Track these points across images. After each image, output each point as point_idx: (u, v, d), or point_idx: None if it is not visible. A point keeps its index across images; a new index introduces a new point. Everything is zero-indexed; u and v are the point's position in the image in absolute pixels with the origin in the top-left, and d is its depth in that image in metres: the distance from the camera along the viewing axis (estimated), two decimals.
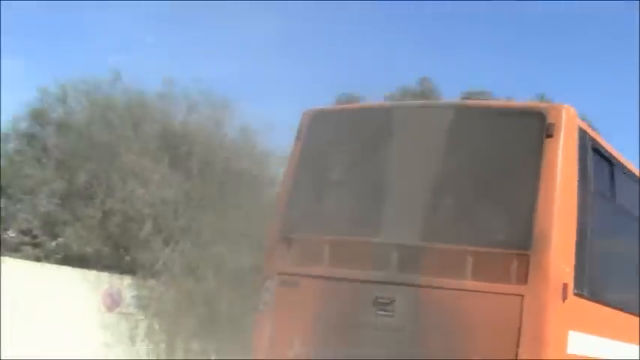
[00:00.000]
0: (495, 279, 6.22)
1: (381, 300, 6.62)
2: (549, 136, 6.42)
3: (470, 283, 6.30)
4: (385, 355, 6.50)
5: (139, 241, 14.69)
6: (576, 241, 6.45)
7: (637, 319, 7.87)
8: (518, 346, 6.04)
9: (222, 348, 15.32)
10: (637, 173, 8.29)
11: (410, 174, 6.98)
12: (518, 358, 6.02)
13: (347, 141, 7.41)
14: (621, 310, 7.53)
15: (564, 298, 6.21)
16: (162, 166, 15.08)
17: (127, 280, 14.81)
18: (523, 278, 6.15)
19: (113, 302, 14.65)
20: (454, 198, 6.79)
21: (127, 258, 14.85)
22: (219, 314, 14.49)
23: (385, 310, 6.58)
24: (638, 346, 7.95)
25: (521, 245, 6.21)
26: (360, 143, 7.31)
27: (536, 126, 6.48)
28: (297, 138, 7.53)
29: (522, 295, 6.12)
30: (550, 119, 6.48)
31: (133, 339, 14.60)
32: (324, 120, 7.70)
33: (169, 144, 15.41)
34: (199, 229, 14.49)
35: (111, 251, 14.96)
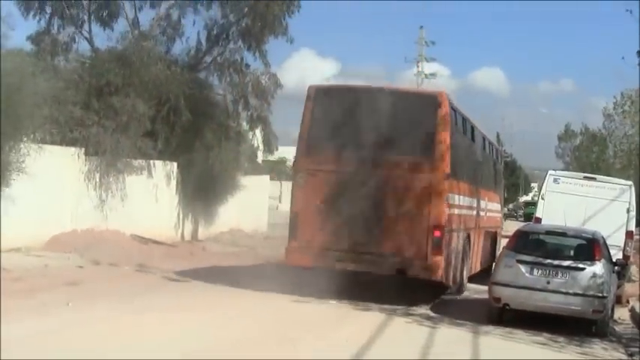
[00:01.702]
0: (421, 170, 14.71)
1: (365, 179, 14.80)
2: (439, 106, 14.81)
3: (408, 173, 14.78)
4: (366, 205, 14.65)
5: None
6: (450, 154, 14.81)
7: (474, 186, 18.05)
8: (430, 196, 14.60)
9: None
10: (470, 119, 17.73)
11: (373, 127, 14.83)
12: (431, 201, 14.54)
13: (338, 106, 15.37)
14: (467, 182, 17.05)
15: (447, 179, 14.85)
16: None
17: None
18: (432, 170, 14.67)
19: None
20: (397, 136, 14.94)
21: None
22: None
23: (368, 185, 14.75)
24: (473, 199, 18.03)
25: (430, 157, 14.72)
26: (344, 108, 15.25)
27: (434, 102, 14.91)
28: (308, 99, 15.27)
29: (432, 176, 14.64)
30: (439, 99, 14.97)
31: None
32: (324, 93, 15.66)
33: None
34: None
35: None
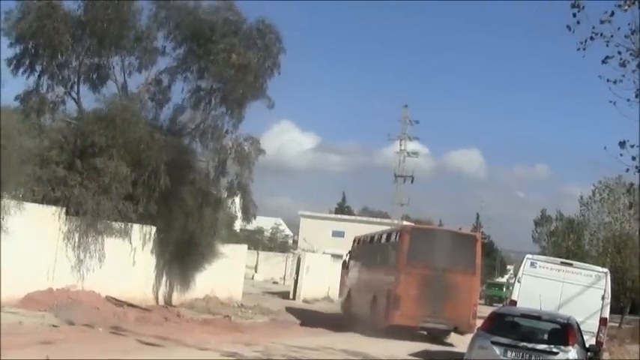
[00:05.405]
0: (467, 273, 25.03)
1: (437, 278, 24.61)
2: (476, 241, 26.38)
3: (461, 276, 24.83)
4: (439, 291, 24.58)
5: None
6: (480, 267, 26.35)
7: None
8: (472, 288, 25.64)
9: None
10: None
11: (441, 250, 25.28)
12: (473, 291, 25.79)
13: (421, 239, 25.68)
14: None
15: (479, 280, 26.89)
16: None
17: None
18: (472, 275, 25.30)
19: None
20: (454, 255, 25.26)
21: None
22: None
23: (439, 281, 24.56)
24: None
25: (472, 268, 25.27)
26: (426, 239, 25.98)
27: (473, 239, 26.85)
28: (406, 233, 25.95)
29: (473, 278, 25.36)
30: (476, 238, 27.21)
31: None
32: (415, 230, 28.69)
33: None
34: None
35: None
